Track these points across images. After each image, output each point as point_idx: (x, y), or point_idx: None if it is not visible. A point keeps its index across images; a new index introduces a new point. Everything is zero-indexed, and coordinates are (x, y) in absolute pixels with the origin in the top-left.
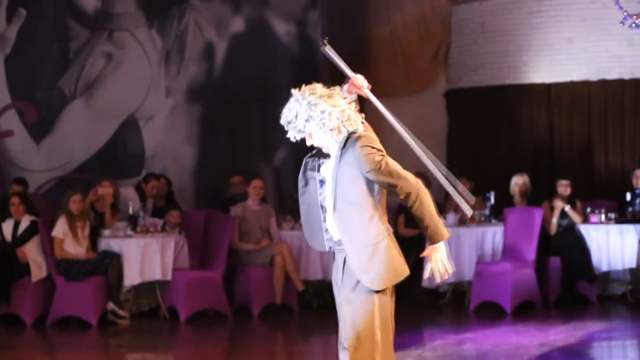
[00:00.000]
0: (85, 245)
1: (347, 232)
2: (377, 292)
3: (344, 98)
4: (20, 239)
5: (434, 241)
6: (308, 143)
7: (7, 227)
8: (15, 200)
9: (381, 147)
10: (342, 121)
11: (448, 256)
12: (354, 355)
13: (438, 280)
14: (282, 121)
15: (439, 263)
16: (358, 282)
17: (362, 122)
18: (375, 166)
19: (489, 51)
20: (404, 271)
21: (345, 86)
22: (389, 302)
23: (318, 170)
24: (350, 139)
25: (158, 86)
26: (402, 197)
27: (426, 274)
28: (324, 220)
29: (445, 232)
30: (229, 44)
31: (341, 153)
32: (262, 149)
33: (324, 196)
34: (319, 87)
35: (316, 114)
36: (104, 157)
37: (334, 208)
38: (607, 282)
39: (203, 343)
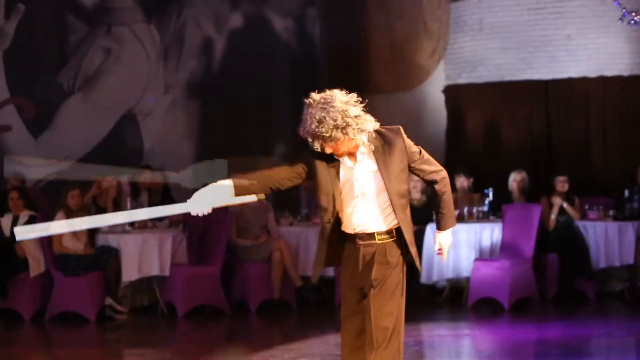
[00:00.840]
0: (83, 240)
1: (405, 225)
2: (402, 282)
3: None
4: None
5: (446, 227)
6: (328, 151)
7: (6, 221)
8: (14, 195)
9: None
10: (359, 125)
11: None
12: (384, 348)
13: (443, 259)
14: (309, 132)
15: (447, 248)
16: (389, 273)
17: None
18: (418, 155)
19: (488, 48)
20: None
21: None
22: (404, 295)
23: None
24: (382, 134)
25: (157, 81)
26: (431, 179)
27: (443, 256)
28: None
29: (454, 221)
30: (227, 39)
31: (379, 147)
32: (260, 144)
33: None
34: (338, 93)
35: (352, 120)
36: (103, 152)
37: (393, 204)
38: (605, 279)
39: (201, 338)
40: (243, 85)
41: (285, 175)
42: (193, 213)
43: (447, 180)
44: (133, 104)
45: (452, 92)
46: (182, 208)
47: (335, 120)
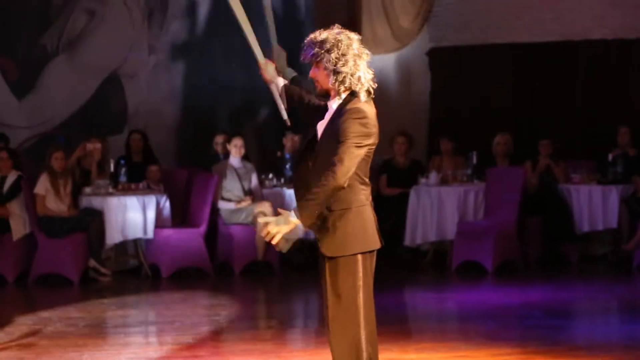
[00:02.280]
0: (67, 202)
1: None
2: (359, 253)
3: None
4: (7, 195)
5: (299, 212)
6: (311, 73)
7: None
8: (3, 154)
9: (369, 132)
10: (351, 77)
11: (429, 223)
12: (337, 318)
13: (261, 234)
14: (308, 40)
15: (276, 228)
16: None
17: (370, 95)
18: (341, 137)
19: (473, 10)
20: (365, 245)
21: None
22: (369, 262)
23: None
24: (350, 102)
25: (141, 43)
26: (320, 173)
27: (260, 227)
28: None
29: (305, 222)
30: (211, 1)
31: (337, 112)
32: (244, 106)
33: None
34: (354, 36)
35: (335, 53)
36: (87, 113)
37: (313, 165)
38: (589, 243)
39: (185, 300)
40: (227, 47)
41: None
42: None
43: (330, 183)
44: (117, 65)
45: (436, 55)
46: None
47: (324, 40)
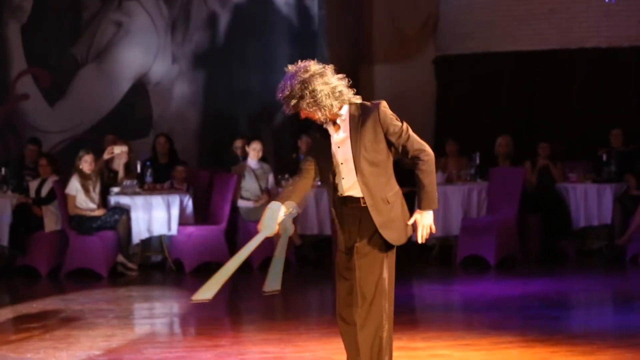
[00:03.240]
0: (96, 201)
1: (369, 190)
2: (384, 248)
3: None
4: (46, 199)
5: (425, 207)
6: (302, 117)
7: (33, 184)
8: (43, 161)
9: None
10: (334, 97)
11: (434, 220)
12: (369, 305)
13: (420, 241)
14: (278, 96)
15: (426, 229)
16: (372, 236)
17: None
18: (399, 129)
19: (477, 20)
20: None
21: None
22: (394, 255)
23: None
24: (362, 105)
25: (165, 53)
26: (415, 157)
27: (417, 237)
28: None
29: (437, 203)
30: (231, 13)
31: (355, 117)
32: (262, 112)
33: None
34: (312, 65)
35: (307, 93)
36: (114, 119)
37: (357, 169)
38: (585, 238)
39: None
40: (245, 57)
41: (312, 174)
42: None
43: (432, 161)
44: (142, 73)
45: (442, 63)
46: (258, 239)
47: (292, 90)
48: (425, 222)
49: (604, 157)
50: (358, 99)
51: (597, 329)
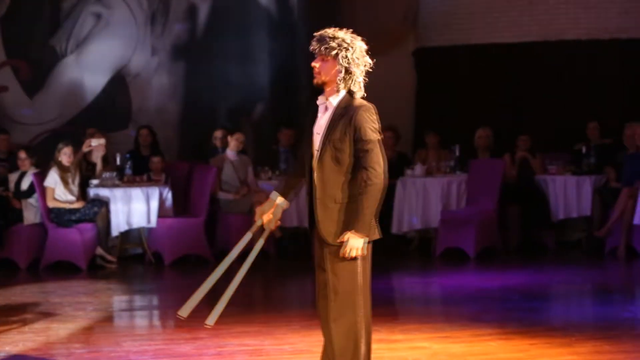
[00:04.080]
0: (75, 194)
1: (323, 184)
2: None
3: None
4: (26, 193)
5: (358, 229)
6: (315, 63)
7: (13, 177)
8: (22, 154)
9: (379, 126)
10: (356, 79)
11: (363, 245)
12: (340, 299)
13: (346, 255)
14: (323, 33)
15: (353, 251)
16: (344, 229)
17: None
18: (366, 139)
19: (456, 13)
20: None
21: None
22: (368, 250)
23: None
24: (354, 101)
25: (144, 45)
26: (364, 174)
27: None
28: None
29: (370, 232)
30: (210, 5)
31: (341, 108)
32: (242, 104)
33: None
34: (365, 49)
35: (352, 53)
36: (93, 111)
37: (319, 160)
38: (564, 229)
39: (186, 286)
40: (225, 48)
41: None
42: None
43: (379, 187)
44: (122, 65)
45: (422, 55)
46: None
47: (344, 39)
48: (353, 245)
49: (583, 150)
50: (360, 92)
51: (576, 321)
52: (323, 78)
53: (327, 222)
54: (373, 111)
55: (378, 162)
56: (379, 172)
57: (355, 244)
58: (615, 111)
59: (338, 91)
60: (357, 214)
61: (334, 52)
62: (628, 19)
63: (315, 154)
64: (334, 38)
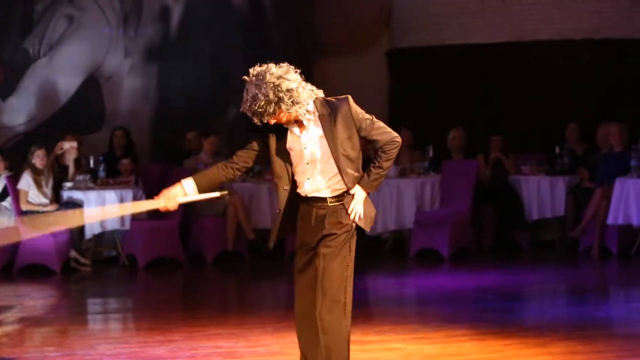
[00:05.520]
0: (49, 196)
1: (350, 184)
2: (350, 241)
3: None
4: (1, 196)
5: (368, 187)
6: (272, 122)
7: None
8: None
9: None
10: (300, 93)
11: (389, 213)
12: (336, 302)
13: (354, 218)
14: (247, 109)
15: (361, 206)
16: (337, 233)
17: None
18: (370, 124)
19: (429, 13)
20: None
21: None
22: (354, 252)
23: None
24: (330, 103)
25: (117, 47)
26: (387, 144)
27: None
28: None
29: (373, 190)
30: (183, 6)
31: (330, 116)
32: (215, 105)
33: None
34: (273, 67)
35: (284, 94)
36: (67, 113)
37: (339, 168)
38: (538, 230)
39: (160, 288)
40: (198, 50)
41: (242, 159)
42: (162, 208)
43: (397, 144)
44: (95, 67)
45: (395, 56)
46: (153, 204)
47: (267, 96)
48: (359, 199)
49: (557, 150)
50: (321, 94)
51: (549, 321)
52: (287, 120)
53: (334, 216)
54: (351, 99)
55: (389, 131)
56: (397, 136)
57: (362, 198)
58: (590, 111)
59: (307, 111)
60: (375, 171)
61: (275, 114)
62: (602, 19)
63: (308, 167)
64: (264, 104)
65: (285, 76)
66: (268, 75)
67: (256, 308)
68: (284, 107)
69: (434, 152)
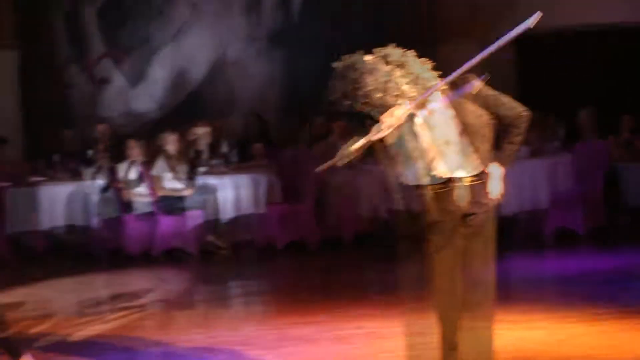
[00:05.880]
0: (183, 182)
1: (485, 161)
2: (491, 220)
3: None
4: (134, 182)
5: (505, 163)
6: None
7: (122, 167)
8: (132, 143)
9: None
10: (415, 85)
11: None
12: (475, 278)
13: (493, 197)
14: (367, 102)
15: (501, 183)
16: (477, 213)
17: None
18: (495, 98)
19: None
20: None
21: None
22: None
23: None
24: (454, 83)
25: (241, 33)
26: (513, 118)
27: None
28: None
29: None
30: None
31: (458, 96)
32: None
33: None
34: (393, 53)
35: (391, 86)
36: (196, 99)
37: (473, 144)
38: None
39: (299, 270)
40: (321, 34)
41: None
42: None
43: (527, 122)
44: (220, 54)
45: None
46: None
47: (374, 85)
48: (501, 176)
49: None
50: (431, 82)
51: None
52: (417, 106)
53: (473, 195)
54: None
55: (517, 103)
56: (525, 109)
57: (499, 174)
58: None
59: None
60: (506, 149)
61: (385, 101)
62: None
63: (444, 147)
64: (370, 92)
65: (399, 68)
66: (383, 60)
67: (396, 289)
68: (386, 99)
69: (565, 132)
